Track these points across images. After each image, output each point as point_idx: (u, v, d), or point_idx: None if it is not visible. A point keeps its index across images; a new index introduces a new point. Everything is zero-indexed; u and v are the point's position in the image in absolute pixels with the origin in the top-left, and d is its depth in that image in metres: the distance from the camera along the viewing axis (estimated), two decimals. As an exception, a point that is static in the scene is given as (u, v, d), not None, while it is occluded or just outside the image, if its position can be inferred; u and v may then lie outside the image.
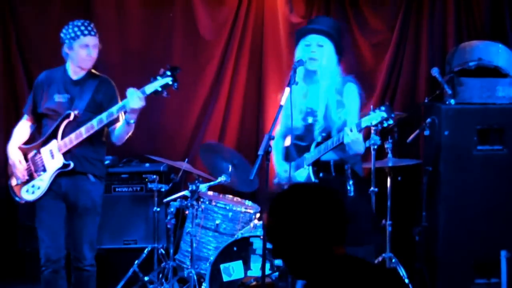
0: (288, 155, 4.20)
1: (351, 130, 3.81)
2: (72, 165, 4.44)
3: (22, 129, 4.71)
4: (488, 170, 5.27)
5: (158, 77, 4.36)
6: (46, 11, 5.98)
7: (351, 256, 2.29)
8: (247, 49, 6.09)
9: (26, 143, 4.67)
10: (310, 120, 4.12)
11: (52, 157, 4.48)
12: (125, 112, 4.44)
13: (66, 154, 4.46)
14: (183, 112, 6.10)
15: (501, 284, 4.95)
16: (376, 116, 3.79)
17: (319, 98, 4.11)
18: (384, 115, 3.77)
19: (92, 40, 4.55)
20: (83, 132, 4.41)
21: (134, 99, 4.32)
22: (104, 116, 4.40)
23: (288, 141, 4.29)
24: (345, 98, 4.10)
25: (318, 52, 4.10)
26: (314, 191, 2.30)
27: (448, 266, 5.30)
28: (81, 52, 4.53)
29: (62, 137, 4.45)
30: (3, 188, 5.91)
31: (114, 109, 4.41)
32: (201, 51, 6.10)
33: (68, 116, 4.46)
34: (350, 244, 3.86)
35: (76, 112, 4.46)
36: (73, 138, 4.42)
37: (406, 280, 5.18)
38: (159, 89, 4.34)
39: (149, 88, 4.36)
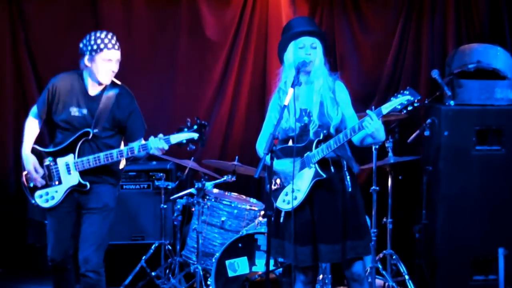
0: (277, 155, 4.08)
1: (371, 119, 3.75)
2: (88, 186, 4.31)
3: (33, 126, 4.47)
4: (486, 170, 5.34)
5: (185, 129, 4.19)
6: (54, 11, 5.98)
7: None
8: (252, 49, 6.10)
9: (37, 140, 4.50)
10: (305, 120, 4.06)
11: (69, 172, 4.33)
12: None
13: (82, 172, 4.32)
14: (189, 111, 5.91)
15: (499, 280, 5.02)
16: (400, 101, 3.73)
17: (313, 98, 4.05)
18: (410, 98, 3.72)
19: (116, 55, 4.31)
20: (102, 159, 4.27)
21: (158, 149, 4.18)
22: (125, 151, 4.26)
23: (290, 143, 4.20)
24: (337, 95, 4.07)
25: (312, 54, 4.05)
26: None
27: (447, 262, 5.36)
28: (104, 66, 4.27)
29: (80, 154, 4.30)
30: (12, 184, 5.99)
31: (136, 147, 4.24)
32: (206, 52, 6.11)
33: (87, 134, 4.29)
34: (352, 238, 3.99)
35: (95, 131, 4.29)
36: (91, 162, 4.28)
37: (407, 276, 5.30)
38: (184, 141, 4.18)
39: (174, 139, 4.18)
